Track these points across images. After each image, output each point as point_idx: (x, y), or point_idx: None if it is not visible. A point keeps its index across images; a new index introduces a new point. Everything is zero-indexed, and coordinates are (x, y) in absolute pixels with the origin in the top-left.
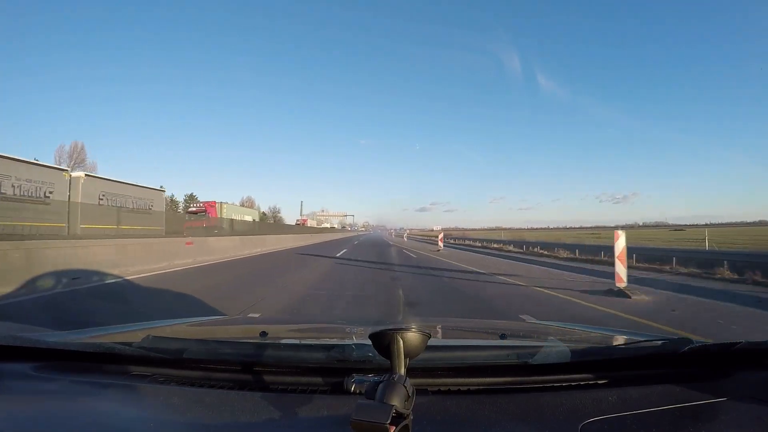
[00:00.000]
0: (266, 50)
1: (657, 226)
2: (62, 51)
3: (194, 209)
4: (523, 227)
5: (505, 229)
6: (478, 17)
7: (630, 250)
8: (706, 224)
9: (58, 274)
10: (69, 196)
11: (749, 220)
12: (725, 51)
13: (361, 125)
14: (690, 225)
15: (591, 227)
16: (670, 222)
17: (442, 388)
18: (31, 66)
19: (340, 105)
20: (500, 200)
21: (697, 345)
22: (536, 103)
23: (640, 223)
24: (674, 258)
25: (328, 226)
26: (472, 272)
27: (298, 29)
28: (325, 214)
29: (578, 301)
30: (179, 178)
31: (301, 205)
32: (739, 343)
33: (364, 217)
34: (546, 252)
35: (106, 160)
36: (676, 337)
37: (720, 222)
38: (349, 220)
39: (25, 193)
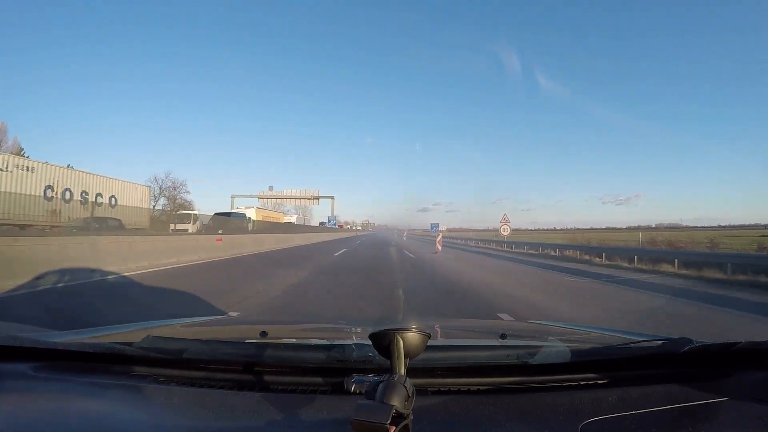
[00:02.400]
0: (264, 50)
1: (674, 228)
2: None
3: None
4: (529, 228)
5: (514, 230)
6: (482, 16)
7: None
8: (718, 226)
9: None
10: None
11: (763, 222)
12: (736, 48)
13: (362, 124)
14: (702, 227)
15: (602, 229)
16: (684, 224)
17: (442, 388)
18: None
19: (338, 103)
20: (503, 201)
21: (697, 345)
22: (540, 103)
23: (653, 225)
24: None
25: (245, 216)
26: None
27: (296, 27)
28: (274, 194)
29: None
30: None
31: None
32: (740, 343)
33: (363, 216)
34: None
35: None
36: (676, 337)
37: (731, 224)
38: (324, 210)
39: None
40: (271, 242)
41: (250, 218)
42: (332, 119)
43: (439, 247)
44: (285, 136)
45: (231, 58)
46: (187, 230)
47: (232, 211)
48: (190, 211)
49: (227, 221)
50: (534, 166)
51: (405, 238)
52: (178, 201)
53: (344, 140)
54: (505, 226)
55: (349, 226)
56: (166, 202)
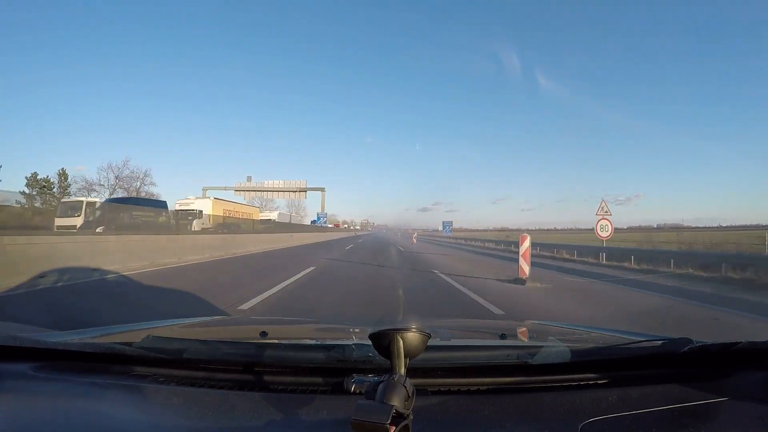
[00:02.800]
0: (262, 48)
1: (677, 228)
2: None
3: None
4: (530, 228)
5: (511, 230)
6: (482, 16)
7: None
8: (719, 227)
9: None
10: None
11: (764, 222)
12: (736, 48)
13: (362, 123)
14: (702, 228)
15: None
16: (686, 225)
17: (442, 388)
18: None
19: (339, 103)
20: (504, 201)
21: (697, 345)
22: (540, 103)
23: (655, 225)
24: None
25: (164, 206)
26: None
27: (295, 26)
28: (252, 186)
29: None
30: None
31: None
32: (740, 343)
33: (363, 216)
34: None
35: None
36: (676, 337)
37: (732, 225)
38: (307, 203)
39: None
40: (191, 251)
41: (200, 211)
42: (332, 119)
43: (526, 270)
44: (283, 136)
45: (228, 56)
46: (75, 225)
47: (142, 197)
48: (81, 198)
49: (125, 212)
50: (534, 166)
51: (415, 241)
52: (142, 194)
53: (343, 140)
54: (604, 221)
55: (347, 226)
56: (125, 194)
